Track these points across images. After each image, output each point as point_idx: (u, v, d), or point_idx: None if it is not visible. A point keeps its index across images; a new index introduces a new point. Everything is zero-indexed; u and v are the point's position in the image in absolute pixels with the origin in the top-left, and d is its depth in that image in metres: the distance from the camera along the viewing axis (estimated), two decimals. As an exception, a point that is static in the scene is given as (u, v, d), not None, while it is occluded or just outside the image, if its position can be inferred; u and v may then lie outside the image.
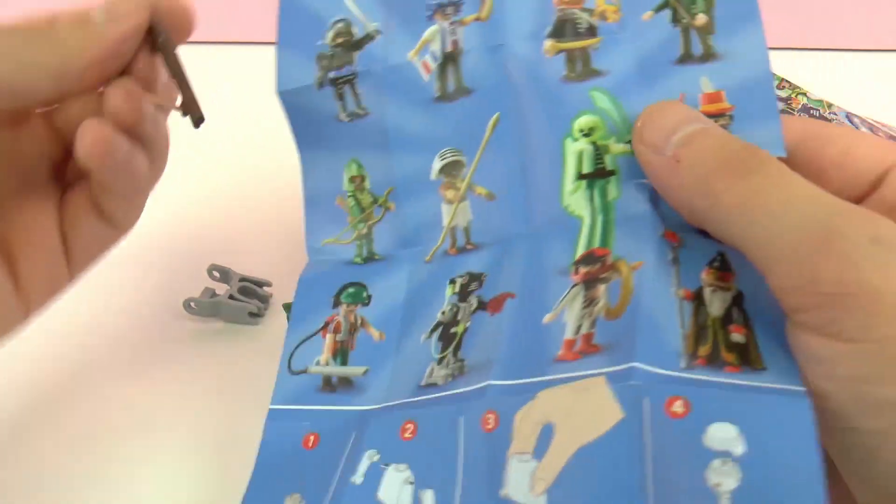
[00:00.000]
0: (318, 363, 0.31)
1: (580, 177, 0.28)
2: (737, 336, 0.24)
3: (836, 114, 0.42)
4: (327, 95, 0.31)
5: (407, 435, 0.27)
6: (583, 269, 0.27)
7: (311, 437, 0.29)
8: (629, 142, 0.28)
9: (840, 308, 0.21)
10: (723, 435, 0.22)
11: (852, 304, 0.20)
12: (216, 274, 0.40)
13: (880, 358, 0.20)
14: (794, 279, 0.21)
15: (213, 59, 0.57)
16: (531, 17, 0.29)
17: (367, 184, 0.32)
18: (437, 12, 0.31)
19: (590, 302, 0.26)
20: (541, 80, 0.29)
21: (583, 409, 0.23)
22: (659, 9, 0.28)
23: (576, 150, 0.28)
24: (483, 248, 0.30)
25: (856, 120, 0.41)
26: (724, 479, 0.21)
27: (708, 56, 0.27)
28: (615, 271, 0.26)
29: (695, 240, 0.27)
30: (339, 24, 0.32)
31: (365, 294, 0.32)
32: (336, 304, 0.32)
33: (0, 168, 0.30)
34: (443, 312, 0.30)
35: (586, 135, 0.28)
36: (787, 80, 0.42)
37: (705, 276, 0.26)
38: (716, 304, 0.25)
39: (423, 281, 0.31)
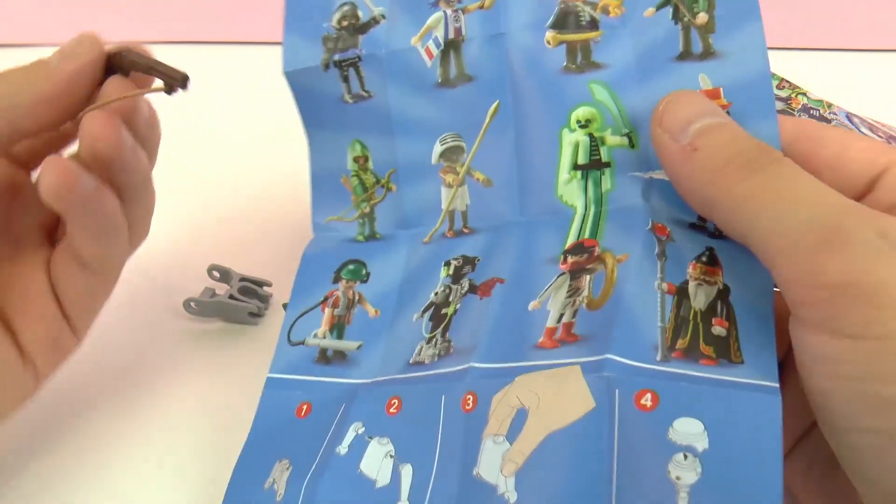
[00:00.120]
0: (315, 336, 0.32)
1: (575, 167, 0.29)
2: (718, 329, 0.25)
3: (836, 114, 0.41)
4: (333, 77, 0.32)
5: (392, 410, 0.28)
6: (571, 259, 0.28)
7: (304, 407, 0.30)
8: (625, 134, 0.28)
9: (844, 302, 0.21)
10: (687, 430, 0.22)
11: (856, 297, 0.20)
12: (216, 274, 0.40)
13: (884, 355, 0.20)
14: (800, 270, 0.21)
15: (213, 60, 0.57)
16: (533, 7, 0.30)
17: (371, 164, 0.33)
18: None
19: (574, 291, 0.27)
20: (541, 70, 0.29)
21: (557, 396, 0.24)
22: (661, 6, 0.28)
23: (572, 140, 0.29)
24: (479, 232, 0.31)
25: (856, 120, 0.41)
26: (685, 473, 0.22)
27: (707, 54, 0.27)
28: (601, 263, 0.27)
29: (684, 234, 0.27)
30: (346, 7, 0.32)
31: (364, 271, 0.33)
32: (336, 279, 0.33)
33: None
34: (436, 293, 0.31)
35: (583, 126, 0.29)
36: (787, 80, 0.41)
37: (692, 269, 0.26)
38: (700, 298, 0.25)
39: (419, 261, 0.32)
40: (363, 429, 0.28)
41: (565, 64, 0.29)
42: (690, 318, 0.25)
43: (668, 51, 0.28)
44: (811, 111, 0.41)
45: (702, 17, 0.27)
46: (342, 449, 0.28)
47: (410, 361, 0.29)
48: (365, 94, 0.32)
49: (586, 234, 0.28)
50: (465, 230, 0.31)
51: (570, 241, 0.28)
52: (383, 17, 0.32)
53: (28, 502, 0.33)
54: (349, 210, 0.34)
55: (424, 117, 0.31)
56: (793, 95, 0.42)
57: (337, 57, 0.32)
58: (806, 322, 0.22)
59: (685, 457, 0.22)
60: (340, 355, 0.31)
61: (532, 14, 0.30)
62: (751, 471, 0.21)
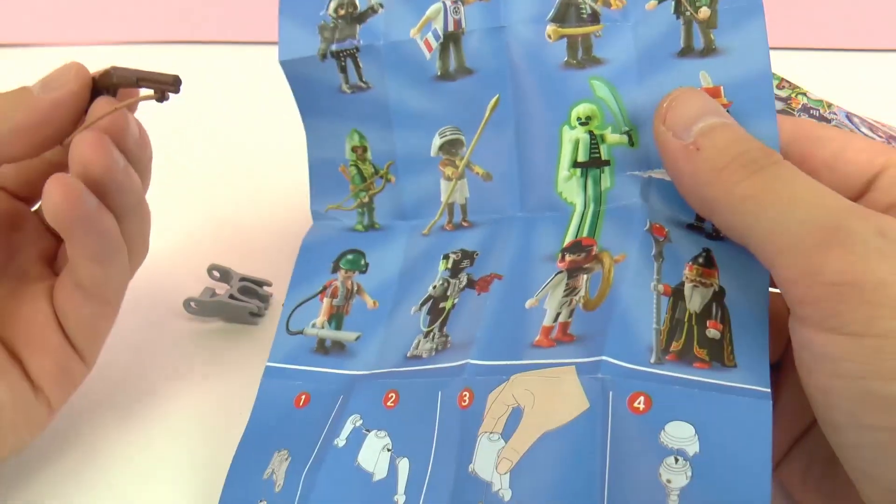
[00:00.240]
0: (314, 325, 0.32)
1: (575, 164, 0.29)
2: (713, 332, 0.25)
3: (835, 114, 0.41)
4: (330, 67, 0.32)
5: (389, 403, 0.28)
6: (569, 257, 0.28)
7: (303, 397, 0.31)
8: (626, 132, 0.28)
9: (845, 299, 0.21)
10: (679, 434, 0.23)
11: (857, 295, 0.21)
12: (216, 274, 0.40)
13: (884, 353, 0.20)
14: (800, 269, 0.22)
15: (212, 60, 0.56)
16: None
17: (369, 155, 0.33)
18: None
19: (571, 291, 0.27)
20: (541, 65, 0.29)
21: (552, 396, 0.24)
22: None
23: (572, 137, 0.29)
24: (478, 226, 0.31)
25: (856, 120, 0.41)
26: (675, 476, 0.22)
27: (709, 50, 0.27)
28: (598, 262, 0.27)
29: (682, 234, 0.27)
30: None
31: (363, 262, 0.33)
32: (335, 269, 0.33)
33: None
34: (434, 287, 0.31)
35: (583, 123, 0.29)
36: (787, 80, 0.41)
37: (688, 271, 0.26)
38: (696, 300, 0.26)
39: (418, 254, 0.32)
40: (361, 421, 0.28)
41: (566, 59, 0.29)
42: (685, 320, 0.25)
43: (670, 46, 0.28)
44: (811, 111, 0.41)
45: (704, 12, 0.27)
46: (340, 441, 0.28)
47: (408, 355, 0.29)
48: (363, 85, 0.32)
49: (584, 233, 0.28)
50: (465, 223, 0.32)
51: (569, 238, 0.28)
52: (381, 6, 0.31)
53: (26, 501, 0.33)
54: (348, 199, 0.34)
55: (423, 110, 0.31)
56: (793, 95, 0.42)
57: (334, 47, 0.32)
58: (806, 321, 0.22)
59: (676, 460, 0.22)
60: (339, 346, 0.31)
61: (532, 7, 0.29)
62: (740, 475, 0.22)
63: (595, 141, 0.29)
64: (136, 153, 0.30)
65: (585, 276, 0.27)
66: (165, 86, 0.28)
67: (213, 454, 0.31)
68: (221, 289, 0.40)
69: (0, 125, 0.27)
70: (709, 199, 0.25)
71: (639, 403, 0.23)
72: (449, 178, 0.32)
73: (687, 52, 0.27)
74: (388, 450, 0.27)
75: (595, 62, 0.29)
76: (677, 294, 0.26)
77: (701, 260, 0.27)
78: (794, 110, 0.41)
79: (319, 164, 0.34)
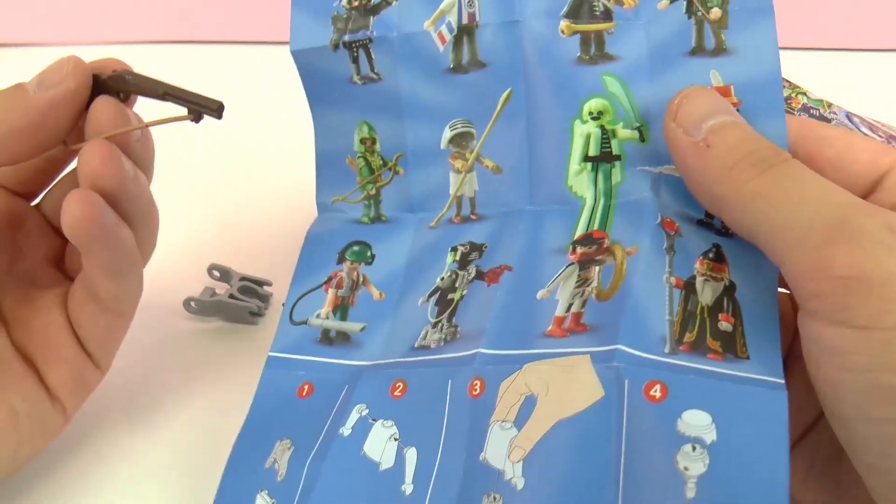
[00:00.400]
0: (318, 316, 0.32)
1: (586, 159, 0.29)
2: (724, 324, 0.25)
3: (835, 113, 0.42)
4: (342, 58, 0.32)
5: (397, 393, 0.28)
6: (580, 250, 0.28)
7: (306, 387, 0.30)
8: (637, 128, 0.29)
9: (853, 293, 0.21)
10: (696, 422, 0.23)
11: (866, 289, 0.21)
12: (216, 273, 0.40)
13: (892, 346, 0.20)
14: (810, 264, 0.22)
15: (212, 60, 0.57)
16: None
17: (378, 146, 0.33)
18: None
19: (583, 282, 0.27)
20: (554, 60, 0.29)
21: (566, 384, 0.24)
22: None
23: (584, 132, 0.29)
24: (486, 219, 0.31)
25: (856, 119, 0.42)
26: (693, 464, 0.22)
27: (720, 50, 0.27)
28: (610, 254, 0.27)
29: (692, 229, 0.27)
30: None
31: (369, 253, 0.33)
32: (340, 260, 0.33)
33: (4, 275, 0.31)
34: (442, 278, 0.31)
35: (595, 118, 0.29)
36: (787, 80, 0.42)
37: (699, 265, 0.26)
38: (707, 294, 0.26)
39: (425, 246, 0.32)
40: (367, 411, 0.28)
41: (579, 54, 0.29)
42: (698, 312, 0.25)
43: (681, 45, 0.28)
44: (811, 111, 0.42)
45: (715, 13, 0.28)
46: (345, 430, 0.28)
47: (415, 345, 0.29)
48: (374, 76, 0.32)
49: (595, 226, 0.28)
50: (473, 216, 0.32)
51: (579, 232, 0.29)
52: None
53: (25, 500, 0.32)
54: (354, 191, 0.34)
55: (435, 102, 0.31)
56: (793, 95, 0.42)
57: (347, 38, 0.32)
58: (815, 315, 0.22)
59: (693, 448, 0.22)
60: (343, 336, 0.31)
61: (546, 2, 0.29)
62: (758, 464, 0.22)
63: (606, 136, 0.29)
64: (140, 153, 0.30)
65: (597, 268, 0.27)
66: (207, 110, 0.28)
67: (213, 454, 0.31)
68: (221, 288, 0.40)
69: None
70: (718, 197, 0.25)
71: (655, 392, 0.23)
72: (458, 171, 0.32)
73: (698, 51, 0.28)
74: (395, 439, 0.27)
75: (607, 58, 0.29)
76: (689, 287, 0.26)
77: (711, 255, 0.27)
78: (794, 110, 0.41)
79: (327, 155, 0.34)
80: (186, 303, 0.39)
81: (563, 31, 0.29)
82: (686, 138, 0.26)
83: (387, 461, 0.27)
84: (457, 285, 0.30)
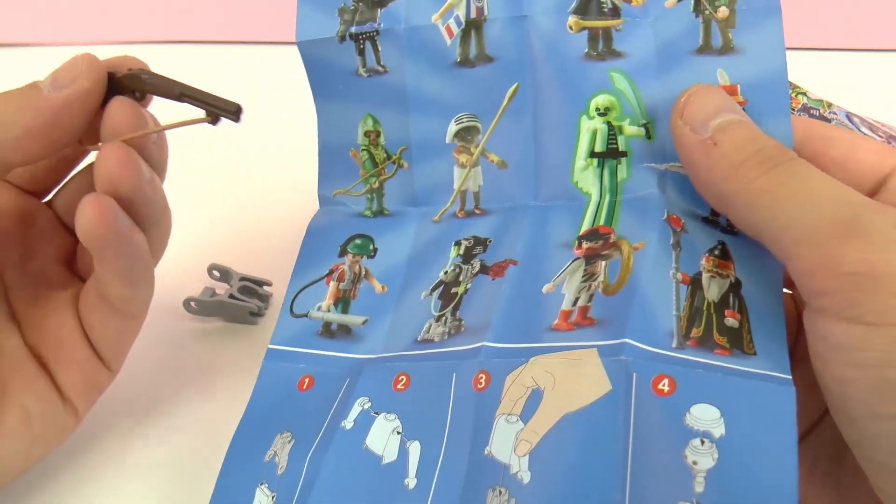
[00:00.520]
0: (319, 309, 0.32)
1: (592, 155, 0.29)
2: (731, 320, 0.25)
3: (835, 113, 0.42)
4: (348, 50, 0.32)
5: (400, 386, 0.28)
6: (586, 245, 0.28)
7: (306, 380, 0.30)
8: (643, 125, 0.29)
9: (862, 290, 0.21)
10: (705, 416, 0.23)
11: (875, 285, 0.21)
12: (216, 273, 0.40)
13: None
14: (818, 260, 0.22)
15: (213, 59, 0.56)
16: None
17: (382, 140, 0.33)
18: None
19: (589, 276, 0.27)
20: (562, 55, 0.29)
21: (573, 378, 0.24)
22: None
23: (590, 127, 0.29)
24: (491, 214, 0.31)
25: (856, 120, 0.42)
26: (702, 458, 0.22)
27: (727, 49, 0.28)
28: (616, 249, 0.27)
29: (697, 226, 0.28)
30: None
31: (372, 247, 0.33)
32: (342, 253, 0.33)
33: (16, 274, 0.31)
34: (445, 272, 0.31)
35: (602, 114, 0.29)
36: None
37: (705, 262, 0.27)
38: (713, 290, 0.26)
39: (428, 240, 0.32)
40: (369, 404, 0.28)
41: (586, 50, 0.29)
42: (704, 308, 0.26)
43: (688, 43, 0.28)
44: (811, 111, 0.42)
45: (723, 12, 0.28)
46: (347, 423, 0.28)
47: (418, 339, 0.29)
48: (380, 68, 0.32)
49: (601, 221, 0.28)
50: (477, 211, 0.32)
51: (585, 227, 0.29)
52: None
53: (26, 499, 0.32)
54: (357, 184, 0.34)
55: (441, 96, 0.31)
56: (793, 95, 0.43)
57: (353, 29, 0.31)
58: (823, 312, 0.22)
59: (702, 442, 0.22)
60: (345, 329, 0.31)
61: None
62: (767, 459, 0.22)
63: (613, 132, 0.29)
64: (156, 156, 0.29)
65: (604, 263, 0.27)
66: (225, 113, 0.27)
67: (213, 454, 0.30)
68: (221, 288, 0.40)
69: (9, 130, 0.26)
70: (725, 194, 0.25)
71: (663, 385, 0.23)
72: (463, 166, 0.32)
73: (705, 49, 0.28)
74: (398, 433, 0.27)
75: (615, 55, 0.29)
76: (695, 283, 0.26)
77: (717, 252, 0.27)
78: (794, 110, 0.42)
79: (329, 148, 0.34)
80: (186, 303, 0.39)
81: (571, 27, 0.29)
82: (693, 136, 0.26)
83: (389, 455, 0.27)
84: (460, 279, 0.30)
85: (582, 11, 0.29)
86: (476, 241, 0.31)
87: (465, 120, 0.31)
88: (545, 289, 0.28)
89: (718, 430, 0.23)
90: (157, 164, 0.30)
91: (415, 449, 0.27)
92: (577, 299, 0.27)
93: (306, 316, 0.32)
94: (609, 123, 0.29)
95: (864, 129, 0.41)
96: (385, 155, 0.33)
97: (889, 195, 0.26)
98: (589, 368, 0.24)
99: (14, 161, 0.27)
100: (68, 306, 0.31)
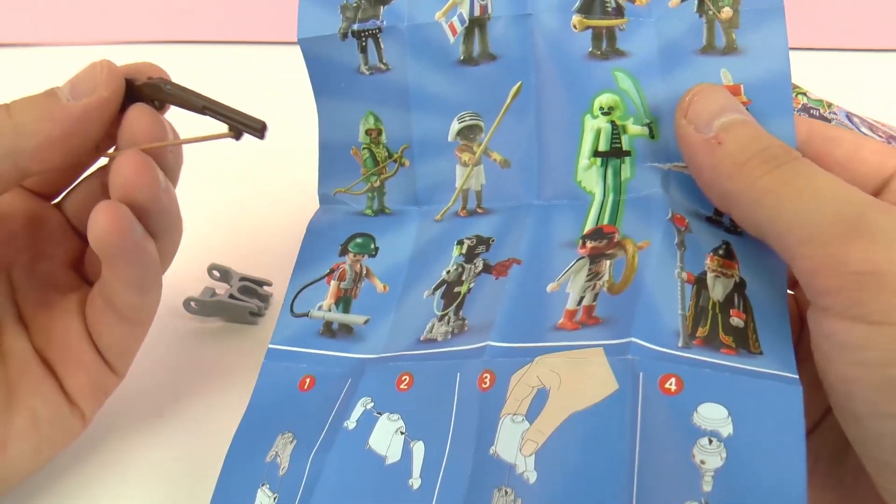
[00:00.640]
0: (320, 308, 0.31)
1: (596, 154, 0.29)
2: (736, 320, 0.25)
3: (835, 113, 0.42)
4: (350, 47, 0.32)
5: (403, 386, 0.28)
6: (590, 244, 0.28)
7: (308, 380, 0.30)
8: (647, 124, 0.29)
9: (866, 289, 0.21)
10: (712, 415, 0.23)
11: (879, 284, 0.21)
12: (216, 273, 0.40)
13: None
14: (822, 260, 0.22)
15: (213, 59, 0.56)
16: None
17: (384, 138, 0.33)
18: None
19: (594, 275, 0.27)
20: (566, 54, 0.29)
21: (579, 377, 0.24)
22: None
23: (594, 127, 0.29)
24: (493, 213, 0.31)
25: (856, 120, 0.42)
26: (710, 457, 0.22)
27: (730, 49, 0.28)
28: (621, 249, 0.27)
29: (702, 226, 0.28)
30: None
31: (373, 245, 0.32)
32: (343, 252, 0.32)
33: (25, 276, 0.30)
34: (448, 271, 0.30)
35: (606, 113, 0.29)
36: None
37: (709, 261, 0.27)
38: (718, 290, 0.26)
39: (430, 239, 0.32)
40: (372, 404, 0.28)
41: (590, 49, 0.29)
42: (709, 307, 0.25)
43: (692, 43, 0.28)
44: (811, 111, 0.42)
45: (726, 12, 0.28)
46: (350, 424, 0.28)
47: (421, 338, 0.29)
48: (383, 66, 0.32)
49: (605, 221, 0.28)
50: (479, 210, 0.31)
51: (589, 226, 0.29)
52: None
53: (28, 499, 0.32)
54: (358, 183, 0.33)
55: (443, 94, 0.31)
56: (793, 95, 0.43)
57: (356, 27, 0.31)
58: (828, 311, 0.22)
59: (710, 441, 0.22)
60: (346, 329, 0.31)
61: None
62: (775, 458, 0.22)
63: (617, 131, 0.29)
64: (172, 164, 0.29)
65: (608, 262, 0.27)
66: (250, 130, 0.27)
67: (213, 454, 0.30)
68: (221, 288, 0.40)
69: (28, 140, 0.26)
70: (729, 193, 0.25)
71: (670, 385, 0.23)
72: (465, 164, 0.32)
73: (708, 49, 0.28)
74: (402, 433, 0.27)
75: (619, 54, 0.29)
76: (700, 283, 0.26)
77: (721, 251, 0.27)
78: (793, 110, 0.42)
79: (330, 146, 0.33)
80: (186, 303, 0.39)
81: (575, 26, 0.29)
82: (697, 135, 0.26)
83: (393, 455, 0.27)
84: (463, 278, 0.30)
85: (586, 10, 0.29)
86: (479, 240, 0.31)
87: (467, 118, 0.31)
88: (549, 288, 0.28)
89: (726, 430, 0.22)
90: (172, 173, 0.30)
91: (418, 449, 0.26)
92: (581, 298, 0.27)
93: (307, 315, 0.31)
94: (613, 123, 0.29)
95: (864, 130, 0.42)
96: (386, 153, 0.33)
97: (893, 195, 0.26)
98: (595, 368, 0.24)
99: (32, 170, 0.27)
100: (75, 310, 0.30)
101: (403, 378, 0.28)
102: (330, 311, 0.31)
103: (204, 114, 0.28)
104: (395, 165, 0.33)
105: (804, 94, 0.43)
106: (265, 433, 0.29)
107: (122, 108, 0.28)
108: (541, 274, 0.28)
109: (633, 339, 0.24)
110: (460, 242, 0.31)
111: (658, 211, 0.27)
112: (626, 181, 0.29)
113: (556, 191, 0.30)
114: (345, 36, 0.31)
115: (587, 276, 0.27)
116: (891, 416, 0.21)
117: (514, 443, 0.24)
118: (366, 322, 0.31)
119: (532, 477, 0.23)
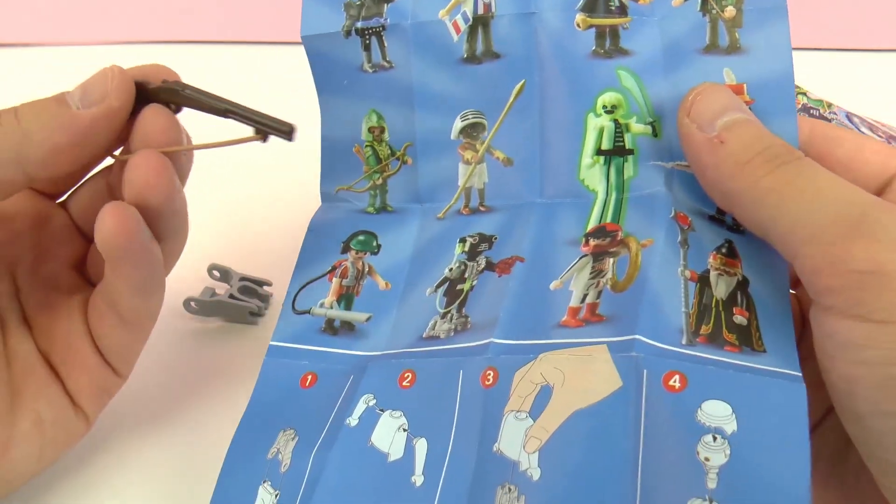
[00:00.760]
0: (321, 305, 0.31)
1: (599, 152, 0.29)
2: (739, 318, 0.25)
3: (835, 113, 0.42)
4: (353, 45, 0.32)
5: (405, 383, 0.28)
6: (593, 242, 0.28)
7: (309, 377, 0.30)
8: (650, 123, 0.29)
9: (869, 288, 0.21)
10: (716, 412, 0.23)
11: (882, 283, 0.21)
12: (216, 273, 0.40)
13: None
14: (825, 259, 0.22)
15: (213, 59, 0.56)
16: None
17: (386, 136, 0.33)
18: None
19: (597, 273, 0.27)
20: (569, 53, 0.29)
21: (583, 374, 0.24)
22: None
23: (597, 125, 0.29)
24: (496, 211, 0.31)
25: (856, 120, 0.42)
26: (714, 454, 0.22)
27: (733, 48, 0.28)
28: (624, 247, 0.27)
29: (705, 224, 0.28)
30: None
31: (375, 243, 0.32)
32: (345, 249, 0.32)
33: (29, 276, 0.30)
34: (450, 269, 0.30)
35: (609, 111, 0.29)
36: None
37: (712, 260, 0.27)
38: (721, 288, 0.26)
39: (433, 236, 0.32)
40: (374, 401, 0.28)
41: (594, 48, 0.29)
42: (713, 305, 0.26)
43: (695, 42, 0.28)
44: (811, 111, 0.42)
45: (730, 11, 0.28)
46: (352, 420, 0.28)
47: (424, 335, 0.29)
48: (386, 64, 0.32)
49: (608, 219, 0.28)
50: (482, 208, 0.31)
51: (592, 224, 0.29)
52: None
53: (28, 500, 0.32)
54: (360, 180, 0.33)
55: (447, 92, 0.31)
56: (793, 95, 0.43)
57: (360, 24, 0.31)
58: (831, 310, 0.22)
59: (714, 438, 0.22)
60: (348, 326, 0.31)
61: None
62: (779, 455, 0.22)
63: (620, 130, 0.29)
64: (184, 167, 0.29)
65: (612, 260, 0.27)
66: (279, 133, 0.27)
67: (213, 454, 0.30)
68: (221, 288, 0.40)
69: (37, 148, 0.26)
70: (732, 192, 0.25)
71: (674, 382, 0.23)
72: (468, 162, 0.32)
73: (712, 48, 0.28)
74: (404, 430, 0.27)
75: (622, 53, 0.29)
76: (703, 281, 0.26)
77: (724, 250, 0.27)
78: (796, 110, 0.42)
79: (332, 143, 0.33)
80: (186, 303, 0.39)
81: (578, 25, 0.29)
82: (700, 134, 0.26)
83: (395, 452, 0.27)
84: (466, 276, 0.30)
85: (589, 9, 0.29)
86: (481, 238, 0.31)
87: (470, 116, 0.31)
88: (553, 286, 0.28)
89: (730, 427, 0.22)
90: (183, 175, 0.30)
91: (421, 446, 0.26)
92: (585, 296, 0.27)
93: (308, 312, 0.31)
94: (616, 121, 0.29)
95: (864, 130, 0.42)
96: (389, 151, 0.33)
97: (895, 195, 0.26)
98: (599, 365, 0.24)
99: (40, 177, 0.27)
100: (78, 312, 0.30)
101: (406, 375, 0.28)
102: (332, 308, 0.31)
103: (227, 117, 0.27)
104: (398, 163, 0.33)
105: (804, 93, 0.43)
106: (266, 430, 0.29)
107: (134, 111, 0.28)
108: (544, 271, 0.28)
109: (637, 337, 0.24)
110: (462, 240, 0.31)
111: (661, 209, 0.28)
112: (628, 180, 0.29)
113: (558, 189, 0.30)
114: (348, 33, 0.31)
115: (590, 273, 0.27)
116: (892, 414, 0.21)
117: (518, 440, 0.24)
118: (368, 319, 0.31)
119: (536, 474, 0.23)
